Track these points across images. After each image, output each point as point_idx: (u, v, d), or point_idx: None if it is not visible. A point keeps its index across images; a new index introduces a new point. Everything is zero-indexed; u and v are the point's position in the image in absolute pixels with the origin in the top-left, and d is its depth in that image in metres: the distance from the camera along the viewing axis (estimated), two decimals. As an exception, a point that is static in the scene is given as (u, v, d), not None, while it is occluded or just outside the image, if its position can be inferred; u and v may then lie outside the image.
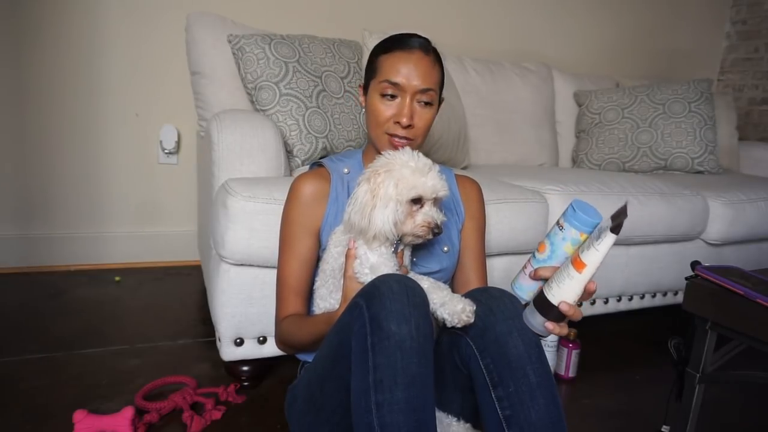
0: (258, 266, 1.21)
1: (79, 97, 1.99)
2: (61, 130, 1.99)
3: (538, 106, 2.29)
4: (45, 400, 1.20)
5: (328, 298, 0.95)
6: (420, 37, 1.00)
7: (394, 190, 0.84)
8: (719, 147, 2.30)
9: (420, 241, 0.88)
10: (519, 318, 0.79)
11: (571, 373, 1.49)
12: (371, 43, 1.72)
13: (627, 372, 1.58)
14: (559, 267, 0.77)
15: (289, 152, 1.40)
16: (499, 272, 1.47)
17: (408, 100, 0.94)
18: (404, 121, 0.94)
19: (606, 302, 1.74)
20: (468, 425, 0.88)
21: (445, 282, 0.94)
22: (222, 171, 1.26)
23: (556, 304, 0.75)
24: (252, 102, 1.46)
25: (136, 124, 2.08)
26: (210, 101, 1.55)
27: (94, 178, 2.07)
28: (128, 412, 1.08)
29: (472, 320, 0.79)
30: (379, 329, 0.71)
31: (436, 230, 0.86)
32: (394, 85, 0.94)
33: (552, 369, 1.23)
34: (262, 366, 1.35)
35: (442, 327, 0.83)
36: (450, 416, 0.88)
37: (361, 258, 0.86)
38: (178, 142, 2.13)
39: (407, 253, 0.94)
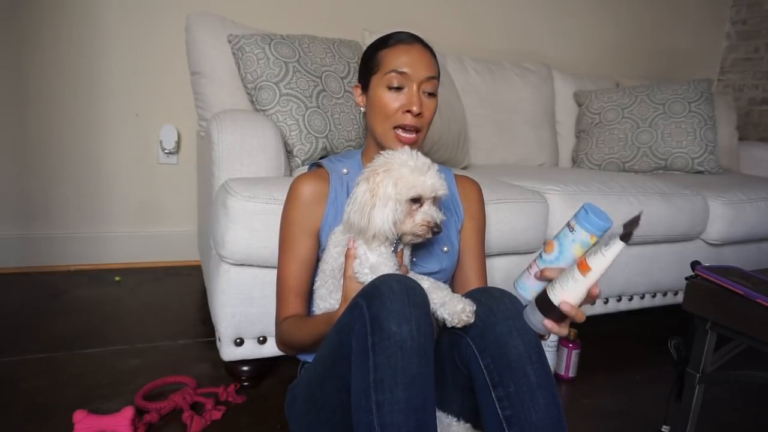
0: (258, 266, 1.21)
1: (80, 97, 1.99)
2: (61, 131, 1.99)
3: (538, 106, 2.29)
4: (45, 400, 1.20)
5: (328, 299, 0.95)
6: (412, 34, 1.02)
7: (393, 189, 0.84)
8: (719, 147, 2.30)
9: (419, 240, 0.88)
10: (519, 318, 0.79)
11: (571, 373, 1.49)
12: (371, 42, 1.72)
13: (627, 372, 1.58)
14: (565, 268, 0.77)
15: (289, 152, 1.40)
16: (499, 272, 1.47)
17: (415, 88, 0.96)
18: (415, 109, 0.95)
19: (606, 302, 1.74)
20: (468, 425, 0.88)
21: (444, 282, 0.94)
22: (222, 171, 1.26)
23: (557, 304, 0.75)
24: (252, 102, 1.46)
25: (136, 124, 2.08)
26: (210, 101, 1.55)
27: (95, 178, 2.07)
28: (128, 412, 1.08)
29: (472, 320, 0.79)
30: (380, 329, 0.71)
31: (436, 229, 0.86)
32: (401, 74, 0.95)
33: (552, 369, 1.23)
34: (262, 366, 1.35)
35: (442, 327, 0.83)
36: (450, 416, 0.87)
37: (360, 258, 0.86)
38: (178, 142, 2.13)
39: (407, 252, 0.94)
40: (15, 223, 1.99)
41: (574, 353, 1.48)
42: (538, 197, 1.52)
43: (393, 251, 0.89)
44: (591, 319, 1.73)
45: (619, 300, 1.77)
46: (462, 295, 0.83)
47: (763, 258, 1.98)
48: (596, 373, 1.55)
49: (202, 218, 1.69)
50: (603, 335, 1.80)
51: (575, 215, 0.77)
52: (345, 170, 1.03)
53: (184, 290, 1.95)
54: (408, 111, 0.95)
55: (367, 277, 0.84)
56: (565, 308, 0.74)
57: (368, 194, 0.84)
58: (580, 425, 1.29)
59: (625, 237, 0.71)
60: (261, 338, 1.27)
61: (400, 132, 0.97)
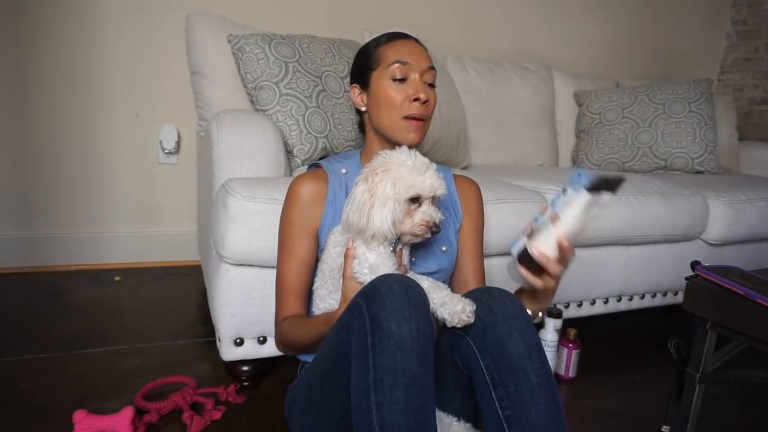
0: (258, 266, 1.21)
1: (80, 97, 1.99)
2: (61, 131, 1.99)
3: (538, 106, 2.29)
4: (45, 400, 1.20)
5: (328, 299, 0.95)
6: None
7: (392, 189, 0.84)
8: (719, 147, 2.29)
9: (419, 240, 0.88)
10: (520, 318, 0.79)
11: (571, 373, 1.49)
12: (371, 43, 1.72)
13: (627, 372, 1.58)
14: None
15: (289, 152, 1.40)
16: (500, 272, 1.47)
17: (418, 78, 0.98)
18: (422, 96, 0.97)
19: (606, 302, 1.74)
20: (468, 425, 0.87)
21: (443, 282, 0.94)
22: (222, 171, 1.26)
23: (530, 251, 0.82)
24: (252, 102, 1.46)
25: (136, 124, 2.08)
26: (210, 101, 1.55)
27: (95, 178, 2.07)
28: (128, 412, 1.08)
29: (472, 320, 0.79)
30: (380, 329, 0.71)
31: (435, 229, 0.86)
32: (404, 64, 0.97)
33: (552, 369, 1.23)
34: (262, 366, 1.35)
35: (442, 327, 0.83)
36: (450, 416, 0.87)
37: (359, 258, 0.86)
38: (178, 142, 2.13)
39: (406, 252, 0.94)
40: (15, 223, 1.99)
41: (574, 353, 1.48)
42: (538, 197, 1.52)
43: (392, 251, 0.89)
44: (591, 319, 1.75)
45: (619, 300, 1.77)
46: (462, 295, 0.83)
47: (763, 258, 1.98)
48: (596, 373, 1.55)
49: (202, 218, 1.69)
50: (603, 335, 1.80)
51: (569, 178, 0.81)
52: (343, 170, 1.03)
53: (184, 290, 1.95)
54: (416, 99, 0.97)
55: (366, 277, 0.84)
56: (534, 253, 0.81)
57: (367, 194, 0.84)
58: (580, 425, 1.29)
59: (592, 188, 0.75)
60: (261, 338, 1.27)
61: (410, 120, 0.98)
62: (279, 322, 0.99)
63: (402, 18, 2.38)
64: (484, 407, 0.78)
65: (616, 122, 2.24)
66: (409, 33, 1.04)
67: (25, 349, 1.41)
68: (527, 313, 0.81)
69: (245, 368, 1.33)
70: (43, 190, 2.01)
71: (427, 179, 0.85)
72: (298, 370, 1.07)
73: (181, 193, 2.18)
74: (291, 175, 1.38)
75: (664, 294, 1.85)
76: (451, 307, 0.79)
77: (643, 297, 1.81)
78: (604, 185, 0.75)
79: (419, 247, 0.98)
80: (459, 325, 0.79)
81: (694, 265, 1.09)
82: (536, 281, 0.84)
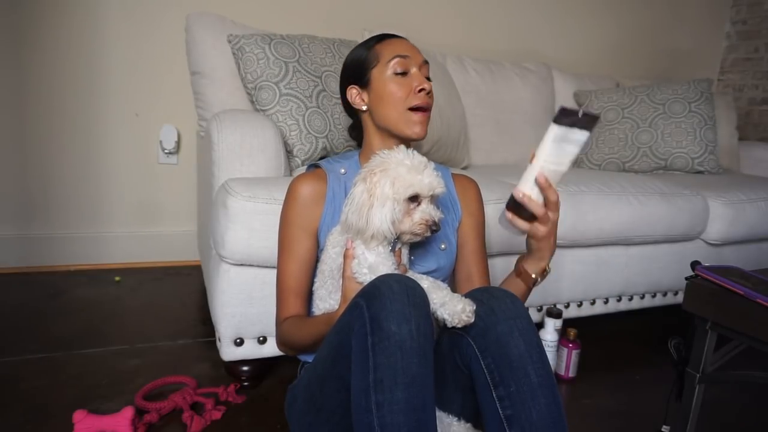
0: (258, 266, 1.21)
1: (79, 97, 1.99)
2: (61, 131, 1.99)
3: (538, 106, 2.29)
4: (45, 400, 1.20)
5: (328, 299, 0.95)
6: None
7: (390, 188, 0.84)
8: (719, 147, 2.29)
9: (418, 239, 0.88)
10: (520, 318, 0.79)
11: (571, 373, 1.49)
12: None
13: (627, 372, 1.58)
14: None
15: (289, 152, 1.40)
16: (501, 272, 1.47)
17: (418, 70, 1.00)
18: (427, 86, 0.99)
19: (606, 302, 1.74)
20: (469, 425, 0.87)
21: (443, 281, 0.94)
22: (222, 171, 1.26)
23: (513, 193, 0.84)
24: (252, 102, 1.46)
25: (136, 124, 2.08)
26: (210, 101, 1.55)
27: (94, 178, 2.07)
28: (128, 412, 1.08)
29: (472, 320, 0.79)
30: (380, 329, 0.71)
31: (434, 227, 0.86)
32: (404, 57, 0.99)
33: (552, 369, 1.23)
34: (262, 366, 1.35)
35: (442, 327, 0.83)
36: (450, 416, 0.87)
37: (359, 258, 0.86)
38: (178, 142, 2.13)
39: (405, 251, 0.94)
40: (15, 223, 1.99)
41: (574, 353, 1.48)
42: (538, 197, 1.51)
43: (391, 250, 0.88)
44: (591, 319, 1.75)
45: (619, 300, 1.77)
46: (463, 295, 0.83)
47: (763, 258, 1.98)
48: (596, 373, 1.55)
49: (202, 218, 1.69)
50: (603, 335, 1.80)
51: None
52: (342, 170, 1.03)
53: (184, 290, 1.95)
54: (420, 90, 0.98)
55: (365, 277, 0.84)
56: (517, 194, 0.84)
57: (366, 194, 0.84)
58: (580, 425, 1.29)
59: (557, 118, 0.77)
60: (261, 338, 1.27)
61: (417, 112, 0.99)
62: (280, 322, 0.99)
63: (402, 18, 2.38)
64: (484, 407, 0.78)
65: (616, 122, 2.24)
66: (402, 34, 1.06)
67: (25, 349, 1.41)
68: (528, 312, 0.81)
69: (245, 368, 1.33)
70: (43, 190, 2.01)
71: (426, 178, 0.85)
72: (298, 370, 1.07)
73: (181, 193, 2.18)
74: (291, 175, 1.38)
75: (664, 294, 1.85)
76: (451, 307, 0.79)
77: (643, 297, 1.81)
78: (574, 117, 0.77)
79: (418, 246, 0.98)
80: (459, 325, 0.79)
81: (694, 265, 1.09)
82: (522, 224, 0.86)
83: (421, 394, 0.70)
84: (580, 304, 1.70)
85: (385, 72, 0.99)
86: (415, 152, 0.88)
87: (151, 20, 2.02)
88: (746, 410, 1.43)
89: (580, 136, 0.79)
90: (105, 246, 2.11)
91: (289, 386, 1.00)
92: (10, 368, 1.32)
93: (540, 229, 0.87)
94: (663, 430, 1.20)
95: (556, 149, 0.80)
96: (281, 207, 1.02)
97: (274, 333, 1.07)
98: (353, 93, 1.04)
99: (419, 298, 0.75)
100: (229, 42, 1.48)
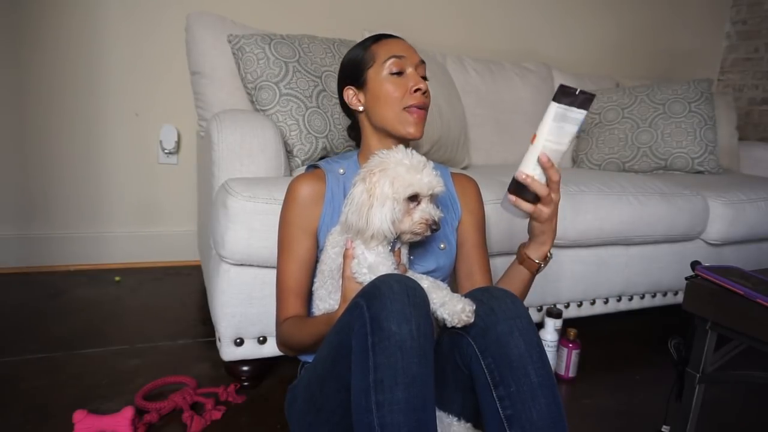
0: (258, 266, 1.21)
1: (79, 97, 1.99)
2: (61, 130, 1.99)
3: (538, 106, 2.29)
4: (45, 400, 1.20)
5: (328, 299, 0.95)
6: None
7: (390, 188, 0.84)
8: (719, 147, 2.29)
9: (418, 238, 0.88)
10: (520, 318, 0.79)
11: (571, 373, 1.49)
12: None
13: (627, 372, 1.58)
14: None
15: (289, 152, 1.40)
16: (501, 272, 1.46)
17: (414, 70, 1.00)
18: (423, 86, 0.99)
19: (606, 302, 1.74)
20: (469, 425, 0.87)
21: (442, 280, 0.94)
22: (222, 171, 1.26)
23: (515, 175, 0.85)
24: (252, 102, 1.46)
25: (136, 124, 2.08)
26: (210, 101, 1.55)
27: (94, 178, 2.07)
28: (128, 412, 1.08)
29: (472, 320, 0.79)
30: (380, 329, 0.71)
31: (434, 227, 0.86)
32: (400, 58, 0.99)
33: (552, 369, 1.23)
34: (262, 366, 1.35)
35: (443, 327, 0.83)
36: (451, 416, 0.87)
37: (358, 258, 0.86)
38: (178, 142, 2.13)
39: (404, 251, 0.94)
40: (15, 223, 1.99)
41: (574, 353, 1.48)
42: (538, 197, 1.52)
43: (390, 250, 0.88)
44: (591, 319, 1.75)
45: (619, 300, 1.77)
46: (463, 295, 0.83)
47: (763, 258, 1.98)
48: (596, 373, 1.55)
49: (202, 218, 1.69)
50: (603, 335, 1.80)
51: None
52: (341, 170, 1.03)
53: (184, 290, 1.95)
54: (416, 89, 0.98)
55: (365, 277, 0.84)
56: (519, 176, 0.85)
57: (365, 194, 0.84)
58: (580, 425, 1.29)
59: (557, 97, 0.78)
60: (261, 338, 1.27)
61: (413, 112, 0.99)
62: (280, 322, 0.99)
63: (402, 18, 2.38)
64: (484, 407, 0.78)
65: (616, 122, 2.24)
66: (402, 34, 1.07)
67: (25, 349, 1.41)
68: (528, 312, 0.81)
69: (245, 368, 1.33)
70: (43, 190, 2.01)
71: (425, 177, 0.85)
72: (298, 370, 1.07)
73: (180, 193, 2.18)
74: (291, 175, 1.38)
75: (664, 294, 1.85)
76: (451, 307, 0.79)
77: (643, 297, 1.81)
78: (572, 96, 0.78)
79: (417, 246, 0.98)
80: (459, 325, 0.79)
81: (694, 265, 1.09)
82: (526, 206, 0.87)
83: (422, 394, 0.70)
84: (580, 304, 1.71)
85: (381, 72, 0.99)
86: (414, 152, 0.88)
87: (151, 20, 2.02)
88: (746, 410, 1.43)
89: (578, 114, 0.80)
90: (105, 246, 2.11)
91: (289, 386, 1.00)
92: (10, 368, 1.32)
93: (544, 210, 0.88)
94: (663, 430, 1.20)
95: (557, 128, 0.81)
96: (281, 207, 1.02)
97: (274, 333, 1.07)
98: (350, 93, 1.05)
99: (419, 298, 0.75)
100: (229, 42, 1.48)
